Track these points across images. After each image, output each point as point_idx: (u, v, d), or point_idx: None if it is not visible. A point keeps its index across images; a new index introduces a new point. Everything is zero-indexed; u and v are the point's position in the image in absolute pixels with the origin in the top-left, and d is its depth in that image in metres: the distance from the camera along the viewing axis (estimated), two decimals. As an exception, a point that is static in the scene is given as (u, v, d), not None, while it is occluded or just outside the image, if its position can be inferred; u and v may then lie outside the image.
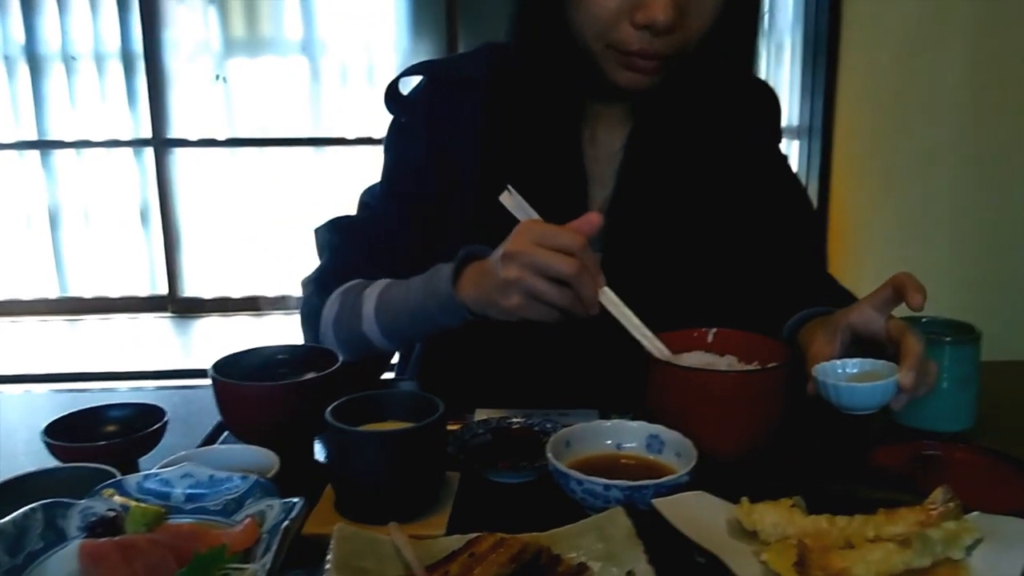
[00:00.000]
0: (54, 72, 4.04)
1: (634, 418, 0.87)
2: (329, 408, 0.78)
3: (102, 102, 4.08)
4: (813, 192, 3.54)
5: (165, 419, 0.91)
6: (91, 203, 4.19)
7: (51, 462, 0.84)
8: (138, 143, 4.13)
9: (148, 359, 3.70)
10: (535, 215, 0.90)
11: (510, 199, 0.91)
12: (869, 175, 3.39)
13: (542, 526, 0.71)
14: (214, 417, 0.96)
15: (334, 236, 1.16)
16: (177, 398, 1.12)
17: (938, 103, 2.79)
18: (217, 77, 4.10)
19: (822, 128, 3.64)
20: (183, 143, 4.15)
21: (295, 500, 0.68)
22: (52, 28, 3.99)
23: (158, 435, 0.90)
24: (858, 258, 3.21)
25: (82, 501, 0.69)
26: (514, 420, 0.94)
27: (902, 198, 3.06)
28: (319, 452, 0.94)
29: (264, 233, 4.23)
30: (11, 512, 0.66)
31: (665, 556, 0.65)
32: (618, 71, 0.98)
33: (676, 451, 0.82)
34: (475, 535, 0.68)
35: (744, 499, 0.72)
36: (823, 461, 0.90)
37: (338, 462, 0.79)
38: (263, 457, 0.82)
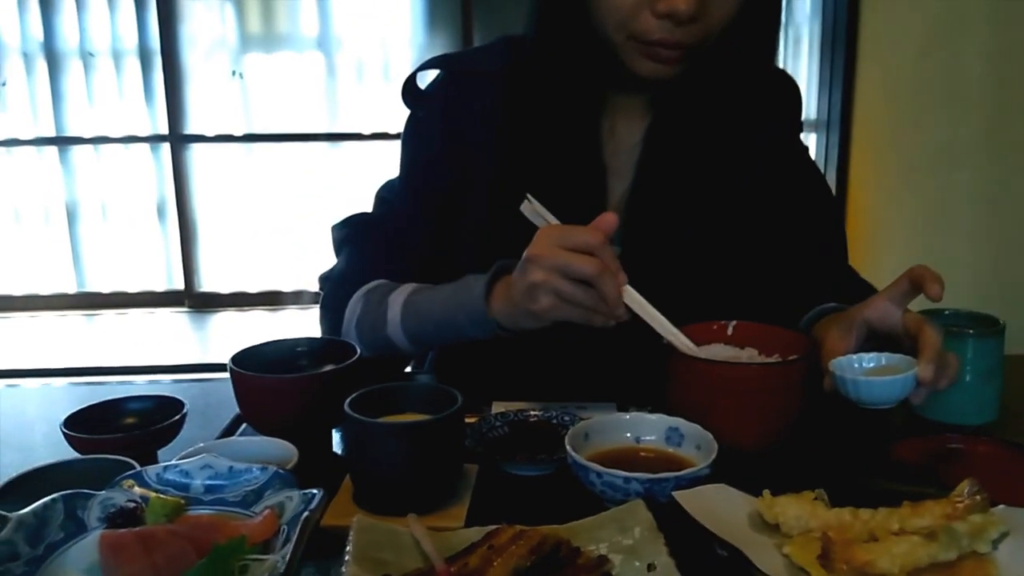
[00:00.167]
0: (72, 69, 4.06)
1: (652, 411, 0.87)
2: (348, 400, 0.78)
3: (119, 98, 4.10)
4: (831, 186, 3.50)
5: (184, 411, 0.91)
6: (109, 199, 4.22)
7: (70, 454, 0.84)
8: (155, 139, 4.15)
9: (165, 354, 3.72)
10: (555, 221, 0.90)
11: (529, 207, 0.92)
12: (887, 169, 3.36)
13: (561, 519, 0.71)
14: (232, 409, 0.96)
15: (352, 233, 1.16)
16: (195, 390, 1.12)
17: (958, 96, 2.76)
18: (234, 73, 4.11)
19: (840, 121, 3.61)
20: (200, 139, 4.17)
21: (314, 491, 0.68)
22: (70, 25, 4.02)
23: (177, 427, 0.90)
24: (876, 252, 3.18)
25: (102, 492, 0.69)
26: (532, 413, 0.94)
27: (921, 192, 3.03)
28: (338, 444, 0.94)
29: (280, 228, 4.25)
30: (31, 503, 0.66)
31: (686, 549, 0.64)
32: (639, 61, 0.97)
33: (696, 444, 0.81)
34: (494, 527, 0.68)
35: (766, 492, 0.71)
36: (844, 454, 0.89)
37: (357, 454, 0.79)
38: (282, 449, 0.82)
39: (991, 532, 0.63)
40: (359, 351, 0.93)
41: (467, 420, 0.85)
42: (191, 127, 4.15)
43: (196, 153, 4.19)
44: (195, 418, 0.94)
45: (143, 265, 4.30)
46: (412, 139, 1.16)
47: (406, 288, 1.05)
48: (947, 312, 1.00)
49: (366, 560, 0.63)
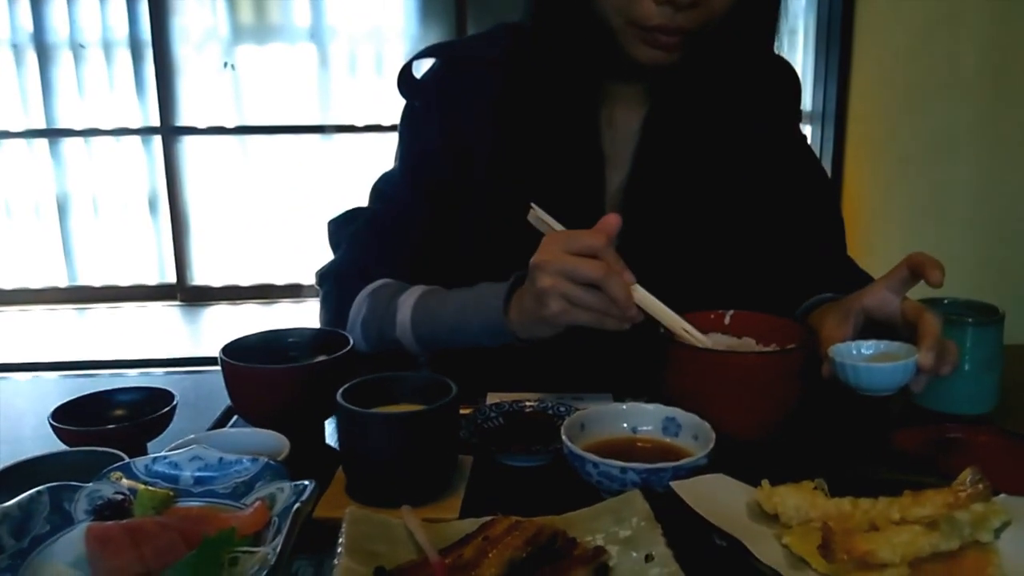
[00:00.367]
0: (62, 60, 4.03)
1: (648, 401, 0.86)
2: (340, 390, 0.77)
3: (110, 90, 4.07)
4: (826, 178, 3.50)
5: (174, 403, 0.89)
6: (100, 191, 4.19)
7: (59, 447, 0.83)
8: (146, 131, 4.12)
9: (157, 347, 3.70)
10: (560, 227, 0.90)
11: (534, 215, 0.92)
12: (883, 161, 3.35)
13: (556, 510, 0.70)
14: (224, 401, 0.95)
15: (350, 228, 1.15)
16: (187, 383, 1.11)
17: (953, 88, 2.75)
18: (225, 65, 4.09)
19: (835, 113, 3.60)
20: (191, 131, 4.15)
21: (306, 483, 0.67)
22: (60, 16, 3.98)
23: (167, 419, 0.89)
24: (871, 244, 3.18)
25: (89, 484, 0.68)
26: (527, 403, 0.93)
27: (917, 184, 3.02)
28: (330, 436, 0.93)
29: (273, 221, 4.23)
30: (17, 495, 0.65)
31: (684, 540, 0.63)
32: (638, 47, 0.96)
33: (693, 434, 0.80)
34: (489, 518, 0.67)
35: (765, 481, 0.70)
36: (843, 444, 0.89)
37: (349, 445, 0.78)
38: (273, 440, 0.81)
39: (993, 521, 0.62)
40: (351, 342, 0.92)
41: (462, 411, 0.84)
42: (183, 119, 4.13)
43: (188, 145, 4.17)
44: (186, 410, 0.93)
45: (135, 258, 4.27)
46: (409, 130, 1.15)
47: (415, 290, 1.04)
48: (946, 301, 0.99)
49: (359, 552, 0.63)
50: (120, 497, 0.67)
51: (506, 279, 0.97)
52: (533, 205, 0.91)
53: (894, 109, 3.25)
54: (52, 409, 0.86)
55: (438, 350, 1.03)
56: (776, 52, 1.08)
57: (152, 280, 4.31)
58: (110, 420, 0.88)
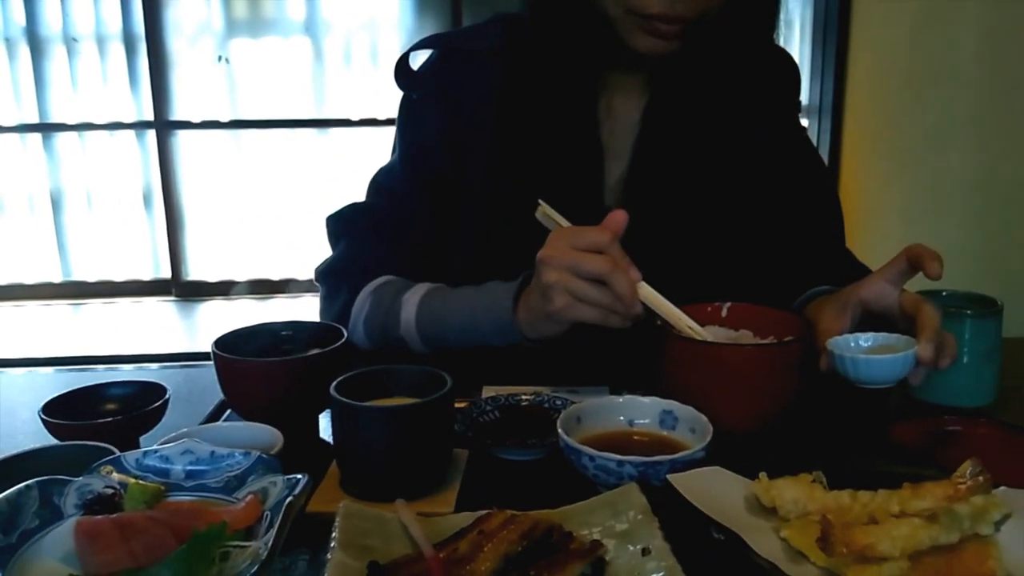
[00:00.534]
0: (55, 54, 4.01)
1: (645, 394, 0.85)
2: (334, 383, 0.76)
3: (104, 84, 4.05)
4: (823, 171, 3.49)
5: (166, 397, 0.89)
6: (94, 186, 4.17)
7: (51, 441, 0.82)
8: (140, 125, 4.11)
9: (152, 343, 3.68)
10: (567, 224, 0.90)
11: (541, 212, 0.92)
12: (881, 154, 3.35)
13: (552, 503, 0.69)
14: (217, 395, 0.94)
15: (350, 224, 1.14)
16: (180, 377, 1.10)
17: (951, 80, 2.74)
18: (219, 58, 4.07)
19: (832, 107, 3.59)
20: (186, 125, 4.13)
21: (299, 476, 0.66)
22: (53, 9, 3.96)
23: (159, 413, 0.88)
24: (869, 237, 3.17)
25: (79, 478, 0.67)
26: (523, 397, 0.92)
27: (915, 176, 3.02)
28: (324, 429, 0.92)
29: (268, 215, 4.21)
30: (5, 490, 0.64)
31: (681, 533, 0.63)
32: (638, 36, 0.96)
33: (690, 427, 0.80)
34: (485, 512, 0.66)
35: (763, 474, 0.70)
36: (842, 436, 0.88)
37: (343, 438, 0.77)
38: (266, 434, 0.80)
39: (993, 514, 0.61)
40: (345, 335, 0.91)
41: (457, 404, 0.84)
42: (177, 113, 4.11)
43: (182, 140, 4.15)
44: (179, 404, 0.92)
45: (129, 253, 4.26)
46: (408, 122, 1.14)
47: (419, 289, 1.04)
48: (944, 293, 0.99)
49: (353, 547, 0.62)
50: (110, 491, 0.66)
51: (506, 272, 0.96)
52: (541, 202, 0.92)
53: (892, 101, 3.24)
54: (43, 403, 0.85)
55: (443, 349, 1.03)
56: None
57: (147, 275, 4.29)
58: (102, 414, 0.87)
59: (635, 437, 0.82)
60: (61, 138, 4.11)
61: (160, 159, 4.12)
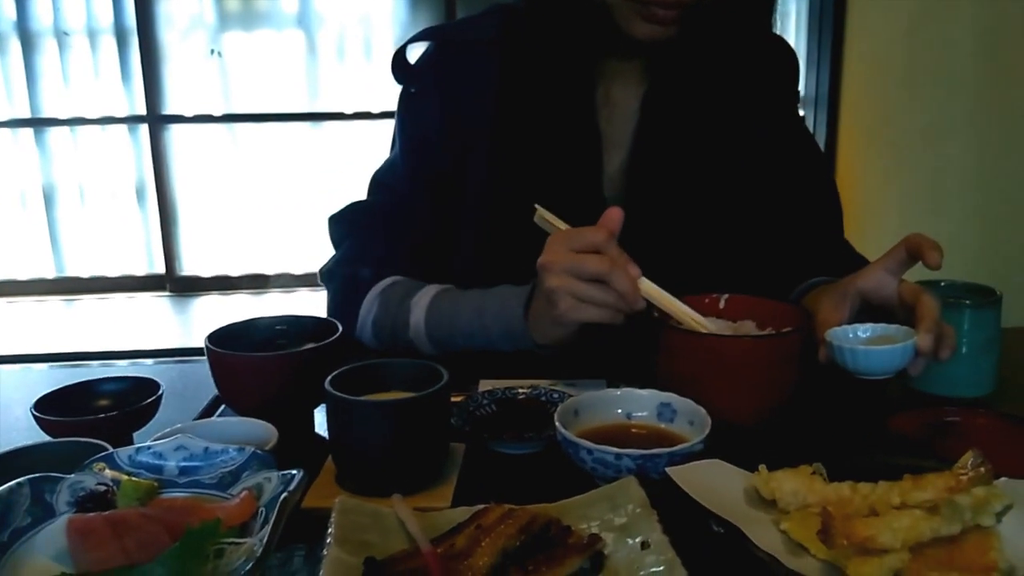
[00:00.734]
0: (47, 48, 3.98)
1: (643, 386, 0.84)
2: (329, 378, 0.76)
3: (96, 78, 4.02)
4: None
5: (159, 392, 0.88)
6: (86, 181, 4.15)
7: (44, 438, 0.81)
8: (133, 120, 4.08)
9: (147, 339, 3.67)
10: (564, 226, 0.90)
11: (539, 216, 0.91)
12: (877, 146, 3.34)
13: (550, 497, 0.69)
14: (211, 391, 0.93)
15: (352, 223, 1.13)
16: (174, 372, 1.09)
17: (948, 72, 2.74)
18: (212, 52, 4.04)
19: (828, 99, 3.59)
20: (178, 119, 4.10)
21: (294, 472, 0.66)
22: (44, 3, 3.93)
23: (152, 409, 0.87)
24: (866, 229, 3.17)
25: (71, 475, 0.67)
26: (520, 390, 0.92)
27: (912, 169, 3.02)
28: (320, 425, 0.91)
29: (262, 210, 4.19)
30: (-4, 489, 0.63)
31: (680, 526, 0.62)
32: (635, 22, 0.95)
33: (689, 419, 0.79)
34: (482, 507, 0.66)
35: (762, 467, 0.69)
36: (841, 428, 0.88)
37: (339, 433, 0.76)
38: (261, 430, 0.79)
39: (994, 505, 0.61)
40: (340, 329, 0.90)
41: (454, 398, 0.83)
42: (169, 107, 4.08)
43: (175, 134, 4.12)
44: (173, 400, 0.91)
45: (123, 249, 4.23)
46: (408, 116, 1.13)
47: (427, 292, 1.03)
48: (943, 283, 0.98)
49: (349, 542, 0.61)
50: (103, 488, 0.66)
51: (509, 267, 0.96)
52: (538, 207, 0.91)
53: (888, 94, 3.24)
54: (35, 399, 0.84)
55: (453, 352, 1.02)
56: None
57: (141, 271, 4.27)
58: (95, 410, 0.87)
59: (633, 430, 0.81)
60: (53, 133, 4.08)
61: (153, 153, 4.10)
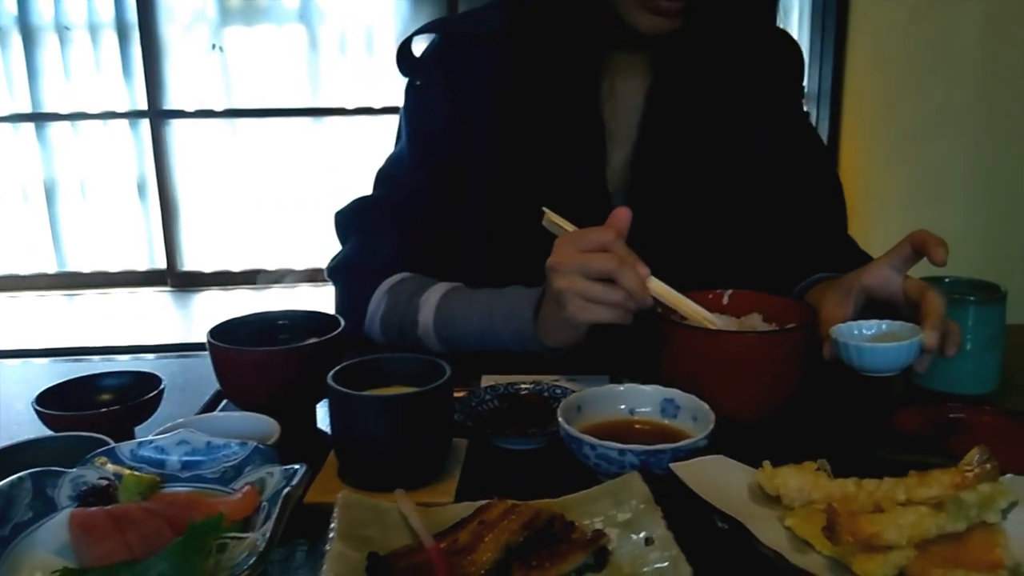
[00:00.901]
0: (48, 43, 3.98)
1: (646, 382, 0.84)
2: (331, 372, 0.75)
3: (97, 73, 4.02)
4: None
5: (161, 387, 0.88)
6: (88, 176, 4.15)
7: (46, 433, 0.81)
8: (134, 115, 4.08)
9: (148, 334, 3.67)
10: (572, 228, 0.90)
11: (547, 219, 0.92)
12: (880, 140, 3.34)
13: (553, 493, 0.69)
14: (213, 385, 0.93)
15: (358, 219, 1.13)
16: (175, 367, 1.09)
17: (951, 64, 2.73)
18: (213, 46, 4.04)
19: (831, 93, 3.58)
20: (180, 114, 4.10)
21: (296, 467, 0.65)
22: (45, -2, 3.93)
23: (154, 403, 0.87)
24: (869, 225, 3.16)
25: (73, 470, 0.67)
26: (523, 386, 0.91)
27: (915, 163, 3.01)
28: (322, 419, 0.91)
29: (263, 205, 4.19)
30: (-2, 483, 0.63)
31: (684, 522, 0.62)
32: (639, 14, 0.95)
33: (692, 415, 0.79)
34: (485, 502, 0.66)
35: (766, 463, 0.69)
36: (845, 424, 0.88)
37: (341, 428, 0.76)
38: (263, 424, 0.79)
39: (1000, 502, 0.61)
40: (342, 323, 0.90)
41: (456, 394, 0.83)
42: (171, 102, 4.08)
43: (176, 129, 4.12)
44: (175, 395, 0.91)
45: (124, 244, 4.24)
46: (414, 109, 1.13)
47: (436, 290, 1.03)
48: (947, 279, 0.98)
49: (352, 538, 0.61)
50: (105, 482, 0.65)
51: (515, 263, 0.95)
52: (545, 209, 0.91)
53: (891, 88, 3.23)
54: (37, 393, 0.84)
55: (462, 351, 1.02)
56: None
57: (142, 266, 4.28)
58: (96, 405, 0.86)
59: (636, 426, 0.81)
60: (55, 128, 4.08)
61: (154, 148, 4.10)
